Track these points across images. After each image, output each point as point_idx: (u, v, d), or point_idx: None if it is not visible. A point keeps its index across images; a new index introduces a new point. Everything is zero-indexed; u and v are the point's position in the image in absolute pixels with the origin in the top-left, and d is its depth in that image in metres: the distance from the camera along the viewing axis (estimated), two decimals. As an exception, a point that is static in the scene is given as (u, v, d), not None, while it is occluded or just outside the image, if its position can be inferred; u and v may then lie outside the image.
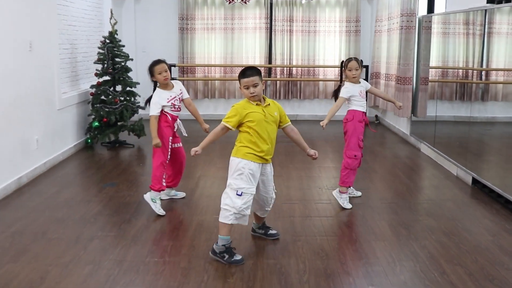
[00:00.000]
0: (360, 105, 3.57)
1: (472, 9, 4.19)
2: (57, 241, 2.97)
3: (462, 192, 4.00)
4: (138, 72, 6.98)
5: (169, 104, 3.43)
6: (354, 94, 3.54)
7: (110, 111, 5.30)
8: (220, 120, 2.75)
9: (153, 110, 3.39)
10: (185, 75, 7.25)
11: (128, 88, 5.53)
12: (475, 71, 4.35)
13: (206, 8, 7.18)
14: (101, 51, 5.42)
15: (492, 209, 3.56)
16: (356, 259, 2.77)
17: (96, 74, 5.44)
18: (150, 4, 7.24)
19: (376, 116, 7.34)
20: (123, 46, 5.60)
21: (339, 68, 3.79)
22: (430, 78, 5.21)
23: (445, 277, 2.55)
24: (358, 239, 3.06)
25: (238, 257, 2.70)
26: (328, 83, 7.35)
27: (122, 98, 5.45)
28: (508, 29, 3.77)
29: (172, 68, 6.85)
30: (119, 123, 5.49)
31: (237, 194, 2.64)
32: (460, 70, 4.64)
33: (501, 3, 3.78)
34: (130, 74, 5.64)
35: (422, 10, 5.79)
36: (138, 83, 5.72)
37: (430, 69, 5.19)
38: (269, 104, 2.72)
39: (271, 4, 7.16)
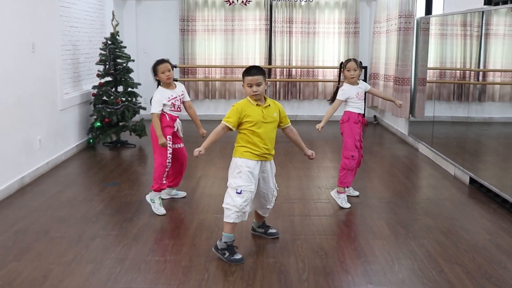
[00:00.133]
0: (356, 107, 3.58)
1: (469, 11, 4.21)
2: (59, 240, 2.99)
3: (460, 191, 4.02)
4: (140, 73, 7.02)
5: (170, 103, 3.45)
6: (351, 96, 3.55)
7: (111, 111, 5.33)
8: (220, 120, 2.78)
9: (155, 108, 3.41)
10: (185, 76, 7.28)
11: (129, 89, 5.56)
12: (472, 72, 4.37)
13: (207, 10, 7.21)
14: (103, 52, 5.45)
15: (489, 209, 3.58)
16: (355, 258, 2.78)
17: (98, 75, 5.47)
18: (151, 6, 7.27)
19: (375, 116, 7.37)
20: (125, 47, 5.63)
21: (338, 70, 3.79)
22: (428, 79, 5.23)
23: (443, 275, 2.56)
24: (357, 238, 3.08)
25: (238, 256, 2.72)
26: (327, 84, 7.39)
27: (123, 99, 5.47)
28: (505, 30, 3.79)
29: (173, 69, 6.90)
30: (120, 124, 5.52)
31: (236, 192, 2.67)
32: (458, 71, 4.66)
33: (498, 5, 3.80)
34: (131, 75, 5.67)
35: (420, 11, 5.81)
36: (140, 84, 5.76)
37: (428, 70, 5.21)
38: (269, 105, 2.75)
39: (270, 5, 7.19)
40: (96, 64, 5.54)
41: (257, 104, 2.71)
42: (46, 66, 4.55)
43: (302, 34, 7.23)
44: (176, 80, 3.96)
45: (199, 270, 2.61)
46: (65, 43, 5.11)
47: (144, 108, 5.69)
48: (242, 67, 7.20)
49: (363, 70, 6.92)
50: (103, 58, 5.44)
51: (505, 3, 3.70)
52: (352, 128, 3.57)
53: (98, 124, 5.37)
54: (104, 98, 5.41)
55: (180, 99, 3.53)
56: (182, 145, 3.64)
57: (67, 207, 3.58)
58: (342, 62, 3.69)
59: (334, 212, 3.53)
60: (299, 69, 7.34)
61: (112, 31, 5.55)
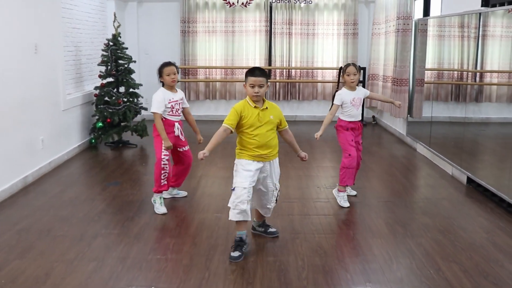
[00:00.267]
0: (348, 114, 3.60)
1: (466, 13, 4.24)
2: (62, 238, 3.01)
3: (457, 191, 4.04)
4: (141, 74, 7.07)
5: (170, 105, 3.46)
6: (345, 101, 3.57)
7: (113, 112, 5.36)
8: (221, 121, 2.82)
9: (156, 107, 3.40)
10: (186, 76, 7.31)
11: (131, 90, 5.59)
12: (469, 73, 4.38)
13: (207, 11, 7.25)
14: (104, 53, 5.48)
15: (487, 208, 3.60)
16: (354, 256, 2.80)
17: (100, 76, 5.51)
18: (152, 8, 7.30)
19: (373, 116, 7.41)
20: (126, 48, 5.67)
21: (337, 74, 3.81)
22: (426, 79, 5.24)
23: (441, 273, 2.58)
24: (356, 236, 3.10)
25: (236, 254, 2.74)
26: (326, 84, 7.42)
27: (125, 99, 5.51)
28: (501, 32, 3.81)
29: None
30: (122, 124, 5.55)
31: (231, 190, 2.75)
32: (455, 72, 4.67)
33: (495, 6, 3.83)
34: (133, 75, 5.71)
35: (418, 13, 5.85)
36: (141, 85, 5.80)
37: (426, 71, 5.23)
38: (266, 108, 2.78)
39: (270, 7, 7.23)
40: (98, 65, 5.57)
41: (254, 106, 2.75)
42: (48, 67, 4.58)
43: (301, 35, 7.27)
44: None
45: (199, 268, 2.63)
46: (67, 45, 5.14)
47: (146, 109, 5.72)
48: (243, 68, 7.27)
49: (362, 71, 6.98)
50: (105, 59, 5.48)
51: (502, 4, 3.72)
52: (344, 134, 3.63)
53: (100, 124, 5.40)
54: (106, 98, 5.44)
55: (180, 103, 3.55)
56: (186, 148, 3.65)
57: (70, 206, 3.60)
58: (341, 67, 3.70)
59: (333, 211, 3.55)
60: (298, 70, 7.38)
61: (113, 32, 5.59)
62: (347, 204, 3.63)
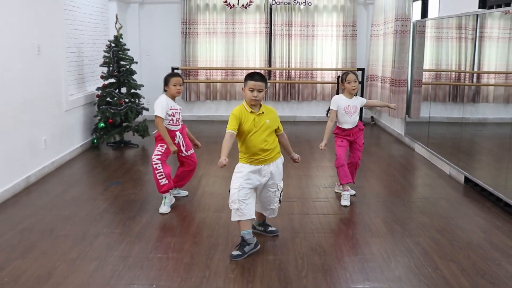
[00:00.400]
0: (341, 121, 3.67)
1: (464, 14, 4.27)
2: (64, 238, 3.03)
3: (455, 190, 4.06)
4: (143, 75, 7.12)
5: (171, 112, 3.48)
6: (340, 106, 3.63)
7: (115, 112, 5.40)
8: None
9: (159, 111, 3.42)
10: (187, 77, 7.34)
11: (132, 90, 5.63)
12: (467, 74, 4.40)
13: (208, 13, 7.29)
14: (106, 54, 5.51)
15: (484, 207, 3.62)
16: (353, 255, 2.82)
17: (102, 77, 5.55)
18: (154, 9, 7.33)
19: (372, 117, 7.45)
20: (128, 49, 5.70)
21: (337, 83, 3.85)
22: (423, 80, 5.26)
23: (439, 272, 2.60)
24: (355, 235, 3.11)
25: (236, 252, 2.78)
26: (325, 85, 7.46)
27: (127, 100, 5.55)
28: (498, 33, 3.83)
29: (175, 71, 6.97)
30: (124, 124, 5.58)
31: (228, 192, 2.81)
32: (453, 73, 4.69)
33: (492, 8, 3.86)
34: (134, 76, 5.74)
35: (416, 15, 5.87)
36: (143, 85, 5.83)
37: (423, 72, 5.24)
38: (262, 113, 2.81)
39: (270, 9, 7.27)
40: (100, 66, 5.60)
41: (251, 111, 2.78)
42: (51, 68, 4.61)
43: (301, 36, 7.31)
44: None
45: (200, 267, 2.65)
46: (69, 46, 5.17)
47: (147, 109, 5.77)
48: (243, 69, 7.31)
49: (360, 72, 7.03)
50: (107, 60, 5.51)
51: (499, 6, 3.76)
52: (336, 138, 3.73)
53: (102, 124, 5.43)
54: (108, 99, 5.47)
55: (180, 113, 3.58)
56: (189, 152, 3.66)
57: (72, 205, 3.62)
58: (339, 76, 3.75)
59: (333, 210, 3.57)
60: (298, 71, 7.42)
61: (115, 34, 5.61)
62: (347, 203, 3.65)
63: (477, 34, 4.10)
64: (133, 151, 5.48)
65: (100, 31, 6.16)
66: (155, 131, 3.59)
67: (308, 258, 2.77)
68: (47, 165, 4.50)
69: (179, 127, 3.58)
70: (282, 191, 2.97)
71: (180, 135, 3.58)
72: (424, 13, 5.74)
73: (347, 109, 3.62)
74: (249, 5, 7.22)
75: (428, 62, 5.16)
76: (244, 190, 2.75)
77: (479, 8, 4.04)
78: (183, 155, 3.64)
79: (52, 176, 4.41)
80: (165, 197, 3.54)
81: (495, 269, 2.65)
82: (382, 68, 6.53)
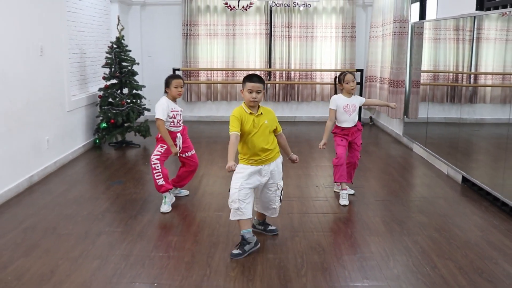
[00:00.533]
0: (340, 120, 3.69)
1: (462, 16, 4.30)
2: (66, 236, 3.05)
3: (453, 190, 4.08)
4: (144, 76, 7.16)
5: (172, 114, 3.50)
6: (339, 106, 3.65)
7: (117, 112, 5.43)
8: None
9: (160, 113, 3.43)
10: (188, 78, 7.38)
11: (134, 91, 5.65)
12: (464, 75, 4.42)
13: (209, 15, 7.33)
14: (108, 55, 5.54)
15: (481, 206, 3.64)
16: (351, 254, 2.83)
17: (104, 78, 5.57)
18: (155, 11, 7.37)
19: (371, 117, 7.48)
20: (130, 51, 5.72)
21: (334, 84, 3.87)
22: (422, 81, 5.28)
23: (437, 271, 2.61)
24: (353, 234, 3.13)
25: (236, 251, 2.81)
26: (325, 86, 7.51)
27: (128, 101, 5.58)
28: (496, 34, 3.85)
29: (176, 72, 7.02)
30: (125, 124, 5.62)
31: (228, 191, 2.83)
32: (451, 74, 4.71)
33: (489, 10, 3.89)
34: (136, 77, 5.77)
35: (414, 16, 5.90)
36: (144, 86, 5.86)
37: (422, 73, 5.26)
38: (261, 114, 2.84)
39: (270, 11, 7.31)
40: (102, 67, 5.63)
41: (250, 113, 2.81)
42: (54, 69, 4.63)
43: (300, 38, 7.35)
44: None
45: (201, 265, 2.67)
46: (72, 47, 5.20)
47: (149, 110, 5.81)
48: (243, 70, 7.36)
49: (359, 73, 7.08)
50: (109, 61, 5.54)
51: (496, 8, 3.78)
52: (336, 137, 3.75)
53: (104, 125, 5.47)
54: (110, 100, 5.50)
55: (180, 114, 3.60)
56: (190, 153, 3.68)
57: (74, 205, 3.64)
58: (336, 76, 3.75)
59: (332, 209, 3.59)
60: (297, 72, 7.46)
61: (117, 35, 5.65)
62: (345, 202, 3.67)
63: (475, 36, 4.12)
64: (134, 151, 5.51)
65: (102, 33, 6.20)
66: (160, 136, 3.58)
67: (307, 257, 2.79)
68: (50, 165, 4.53)
69: (180, 128, 3.61)
70: (282, 190, 3.00)
71: (181, 137, 3.60)
72: (422, 15, 5.76)
73: (346, 107, 3.65)
74: (249, 7, 7.26)
75: (426, 63, 5.17)
76: (245, 190, 2.78)
77: (476, 10, 4.07)
78: (184, 156, 3.67)
79: (55, 176, 4.44)
80: (165, 197, 3.56)
81: (492, 267, 2.66)
82: (380, 69, 6.56)
